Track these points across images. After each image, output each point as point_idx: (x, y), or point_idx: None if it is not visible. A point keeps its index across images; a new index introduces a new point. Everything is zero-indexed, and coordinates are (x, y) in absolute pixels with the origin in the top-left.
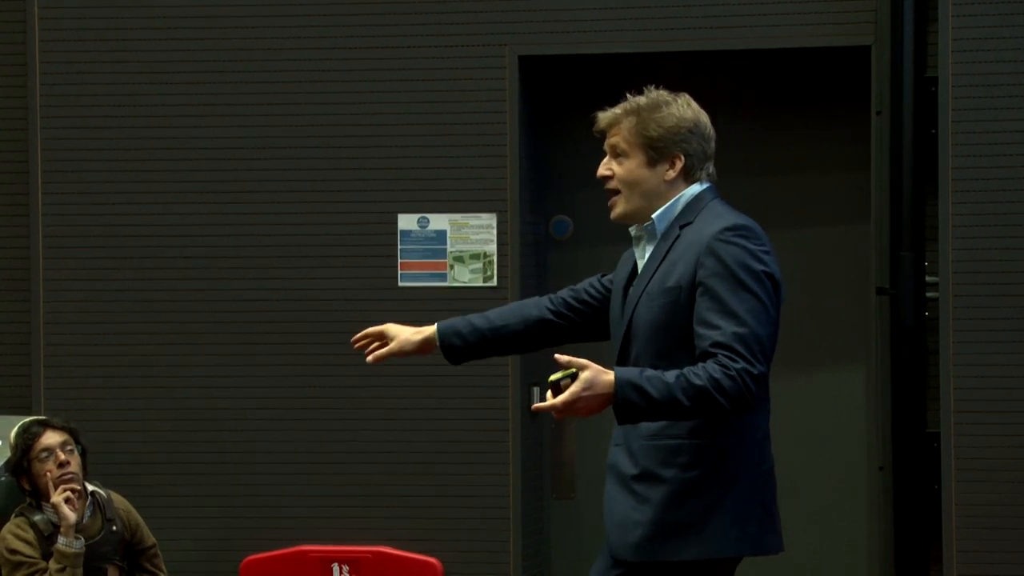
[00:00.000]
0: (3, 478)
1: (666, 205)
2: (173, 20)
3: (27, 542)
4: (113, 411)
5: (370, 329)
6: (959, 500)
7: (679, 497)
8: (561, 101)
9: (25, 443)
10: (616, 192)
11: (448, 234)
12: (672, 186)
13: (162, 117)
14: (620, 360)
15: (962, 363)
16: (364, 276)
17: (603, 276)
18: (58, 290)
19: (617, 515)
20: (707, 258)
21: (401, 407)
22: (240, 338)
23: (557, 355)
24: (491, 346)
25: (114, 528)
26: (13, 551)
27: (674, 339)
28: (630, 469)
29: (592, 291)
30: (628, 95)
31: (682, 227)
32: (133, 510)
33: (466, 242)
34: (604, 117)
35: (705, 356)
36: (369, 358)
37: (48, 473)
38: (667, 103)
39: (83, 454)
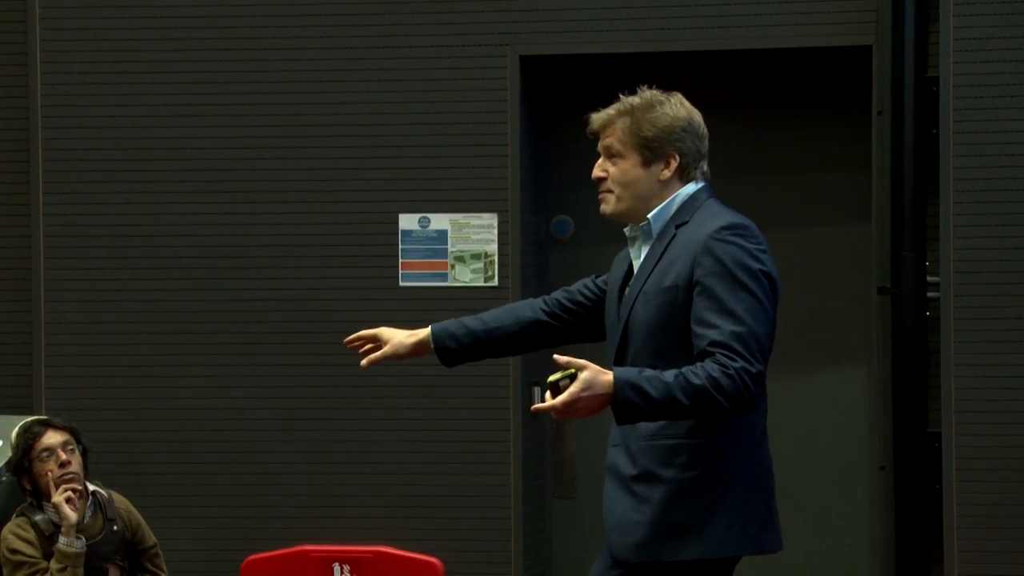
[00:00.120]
0: (4, 478)
1: (661, 205)
2: (173, 20)
3: (28, 542)
4: (114, 411)
5: (363, 332)
6: (960, 500)
7: (679, 497)
8: (562, 101)
9: (26, 443)
10: (609, 191)
11: (449, 234)
12: (667, 186)
13: (162, 117)
14: (617, 360)
15: (963, 363)
16: (365, 276)
17: (597, 277)
18: (59, 290)
19: (617, 516)
20: (704, 257)
21: (402, 407)
22: (241, 338)
23: (556, 356)
24: (485, 348)
25: (115, 528)
26: (14, 551)
27: (672, 339)
28: (629, 470)
29: (587, 292)
30: (621, 95)
31: (678, 227)
32: (134, 510)
33: (467, 242)
34: (597, 118)
35: (703, 355)
36: (363, 362)
37: (49, 473)
38: (660, 103)
39: (84, 454)
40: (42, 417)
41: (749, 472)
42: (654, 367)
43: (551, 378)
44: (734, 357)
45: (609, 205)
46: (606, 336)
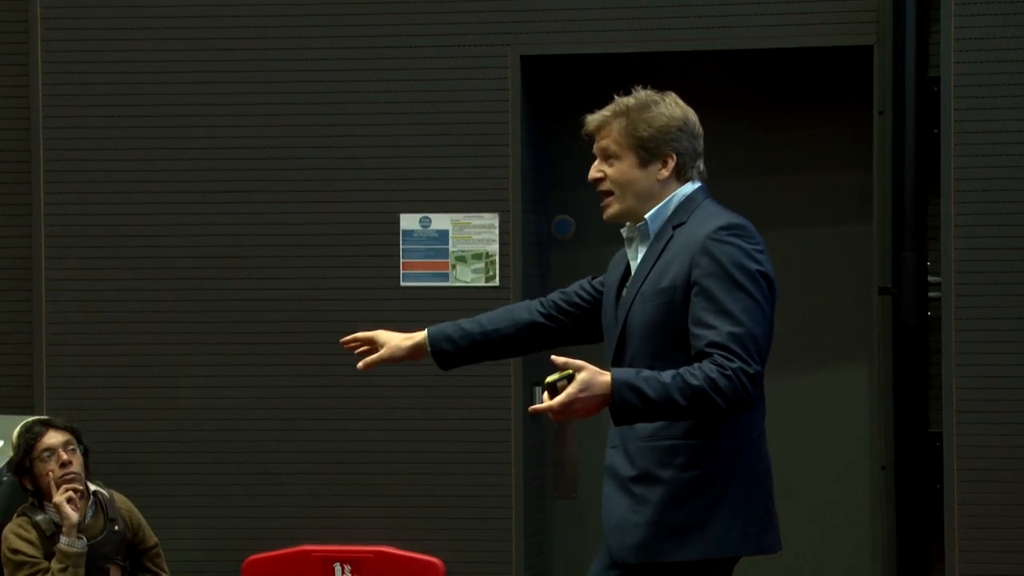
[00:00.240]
0: (5, 478)
1: (659, 205)
2: (174, 21)
3: (29, 542)
4: (115, 411)
5: (360, 334)
6: (961, 500)
7: (678, 498)
8: (563, 101)
9: (27, 443)
10: (609, 193)
11: (450, 234)
12: (665, 186)
13: (163, 117)
14: (615, 361)
15: (964, 363)
16: (366, 276)
17: (594, 278)
18: (60, 290)
19: (615, 517)
20: (702, 258)
21: (403, 407)
22: (242, 338)
23: (553, 357)
24: (482, 351)
25: (116, 528)
26: (15, 551)
27: (669, 340)
28: (628, 471)
29: (583, 293)
30: (616, 96)
31: (675, 227)
32: (135, 510)
33: (468, 242)
34: (592, 120)
35: (701, 356)
36: (360, 364)
37: (50, 473)
38: (655, 103)
39: (85, 454)
40: (43, 417)
41: (748, 472)
42: (652, 368)
43: (548, 379)
44: (731, 358)
45: (611, 208)
46: (603, 337)
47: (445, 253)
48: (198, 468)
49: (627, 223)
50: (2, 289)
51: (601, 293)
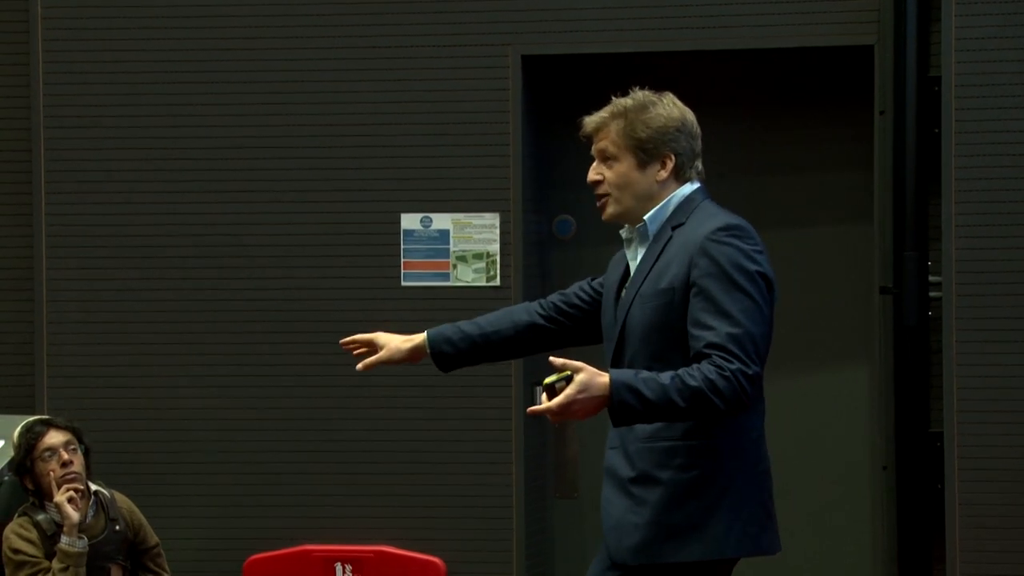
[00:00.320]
0: (6, 478)
1: (657, 207)
2: (175, 20)
3: (30, 542)
4: (116, 410)
5: (359, 336)
6: (962, 499)
7: (677, 499)
8: (564, 100)
9: (28, 442)
10: (606, 194)
11: (451, 234)
12: (664, 186)
13: (164, 117)
14: (614, 363)
15: (965, 363)
16: (367, 276)
17: (593, 279)
18: (61, 290)
19: (614, 518)
20: (700, 258)
21: (404, 407)
22: (243, 338)
23: (552, 358)
24: (482, 352)
25: (117, 528)
26: (16, 551)
27: (668, 340)
28: (627, 472)
29: (583, 295)
30: (613, 97)
31: (674, 228)
32: (136, 510)
33: (469, 242)
34: (590, 121)
35: (700, 357)
36: (359, 366)
37: (51, 473)
38: (653, 103)
39: (86, 454)
40: (44, 417)
41: (747, 473)
42: (651, 369)
43: (547, 380)
44: (730, 359)
45: (609, 208)
46: (603, 338)
47: (446, 253)
48: (199, 468)
49: (626, 224)
50: (3, 289)
51: (600, 294)
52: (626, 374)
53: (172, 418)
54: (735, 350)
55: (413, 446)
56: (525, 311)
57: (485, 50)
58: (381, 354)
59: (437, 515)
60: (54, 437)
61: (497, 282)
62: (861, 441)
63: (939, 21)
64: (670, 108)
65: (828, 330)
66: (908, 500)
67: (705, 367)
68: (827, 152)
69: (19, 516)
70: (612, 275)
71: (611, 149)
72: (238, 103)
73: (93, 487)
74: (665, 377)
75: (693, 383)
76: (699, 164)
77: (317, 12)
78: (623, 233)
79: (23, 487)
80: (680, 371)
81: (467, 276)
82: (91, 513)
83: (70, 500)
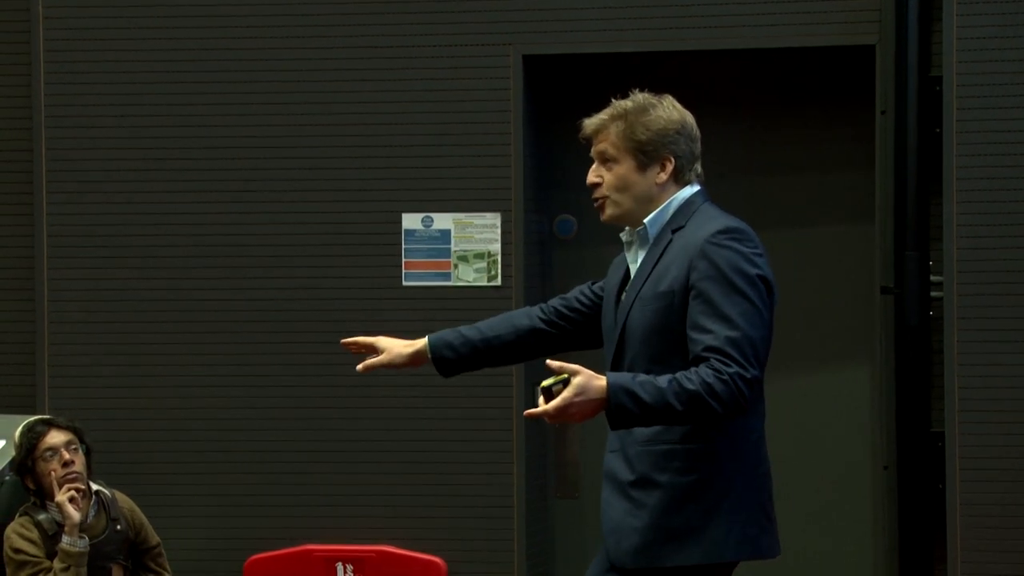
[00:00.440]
0: (8, 477)
1: (658, 210)
2: (176, 20)
3: (31, 541)
4: (117, 410)
5: (361, 339)
6: (963, 499)
7: (676, 502)
8: (565, 100)
9: (30, 442)
10: (605, 196)
11: (452, 233)
12: (664, 189)
13: (165, 117)
14: (614, 365)
15: (966, 362)
16: (368, 275)
17: (594, 283)
18: (62, 289)
19: (614, 521)
20: (700, 261)
21: (405, 406)
22: (244, 337)
23: (549, 361)
24: (483, 357)
25: (118, 527)
26: (17, 550)
27: (668, 343)
28: (626, 475)
29: (583, 299)
30: (613, 99)
31: (674, 231)
32: (137, 509)
33: (470, 241)
34: (590, 123)
35: (698, 360)
36: (360, 367)
37: (52, 472)
38: (653, 106)
39: (87, 453)
40: (45, 416)
41: (747, 476)
42: (650, 372)
43: (544, 383)
44: (728, 362)
45: (608, 209)
46: (603, 342)
47: (447, 252)
48: (200, 468)
49: (626, 227)
50: (4, 288)
51: (601, 298)
52: (623, 377)
53: (173, 418)
54: (733, 354)
55: (414, 446)
56: (526, 315)
57: (486, 50)
58: (382, 357)
59: (438, 515)
60: (55, 437)
61: (498, 282)
62: (862, 441)
63: (940, 21)
64: (670, 111)
65: (829, 330)
66: (909, 500)
67: (703, 371)
68: (828, 152)
69: (20, 516)
70: (613, 278)
71: (611, 151)
72: (239, 103)
73: (94, 487)
74: (663, 380)
75: (690, 387)
76: (698, 167)
77: (318, 12)
78: (623, 236)
79: (24, 487)
80: (678, 375)
81: (468, 276)
82: (92, 513)
83: (71, 500)
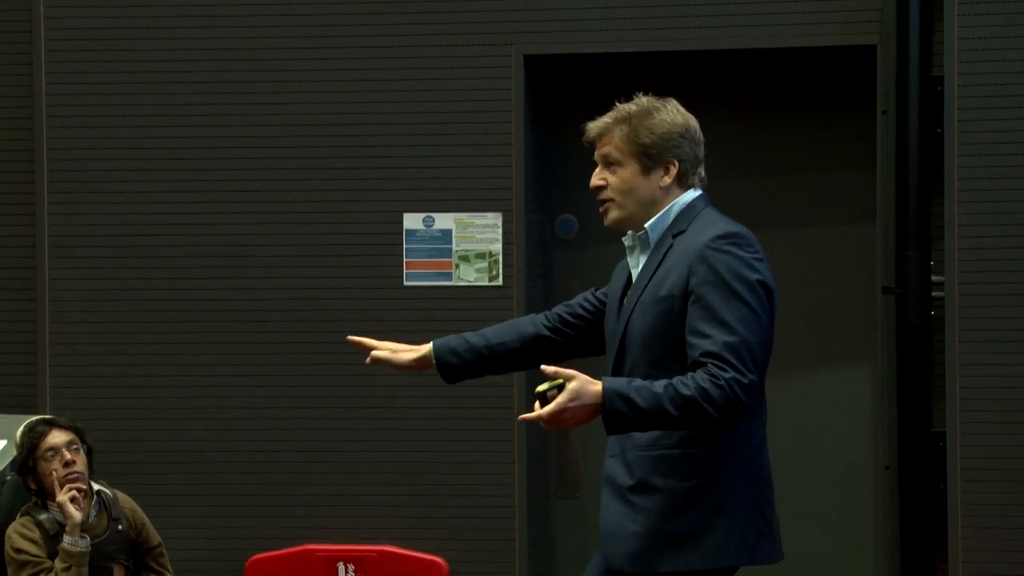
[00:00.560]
0: (9, 477)
1: (659, 214)
2: (178, 20)
3: (33, 541)
4: (119, 410)
5: (367, 341)
6: (964, 499)
7: (676, 507)
8: (566, 100)
9: (31, 442)
10: (609, 200)
11: (453, 233)
12: (667, 193)
13: (166, 116)
14: (615, 370)
15: (968, 362)
16: (370, 275)
17: (597, 290)
18: (63, 289)
19: (612, 526)
20: (699, 266)
21: (406, 406)
22: (246, 337)
23: (543, 366)
24: (488, 364)
25: (120, 527)
26: (19, 550)
27: (668, 348)
28: (626, 480)
29: (587, 305)
30: (617, 103)
31: (675, 236)
32: (139, 509)
33: (471, 241)
34: (594, 127)
35: (696, 365)
36: (368, 359)
37: (54, 472)
38: (657, 109)
39: (89, 453)
40: (47, 416)
41: (747, 481)
42: (650, 377)
43: (538, 388)
44: (725, 368)
45: (611, 213)
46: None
47: (448, 252)
48: (201, 467)
49: (628, 232)
50: (6, 288)
51: (605, 304)
52: (618, 382)
53: (175, 418)
54: (731, 359)
55: (416, 446)
56: (531, 323)
57: (487, 50)
58: (388, 355)
59: (440, 515)
60: (57, 437)
61: (499, 282)
62: (863, 441)
63: (941, 21)
64: (674, 114)
65: (830, 330)
66: (910, 500)
67: (699, 376)
68: (829, 152)
69: (22, 516)
70: (616, 283)
71: (615, 155)
72: (240, 103)
73: (96, 487)
74: (658, 385)
75: (686, 392)
76: (702, 170)
77: (319, 12)
78: (626, 240)
79: (26, 487)
80: (674, 380)
81: (469, 276)
82: (93, 513)
83: (72, 500)
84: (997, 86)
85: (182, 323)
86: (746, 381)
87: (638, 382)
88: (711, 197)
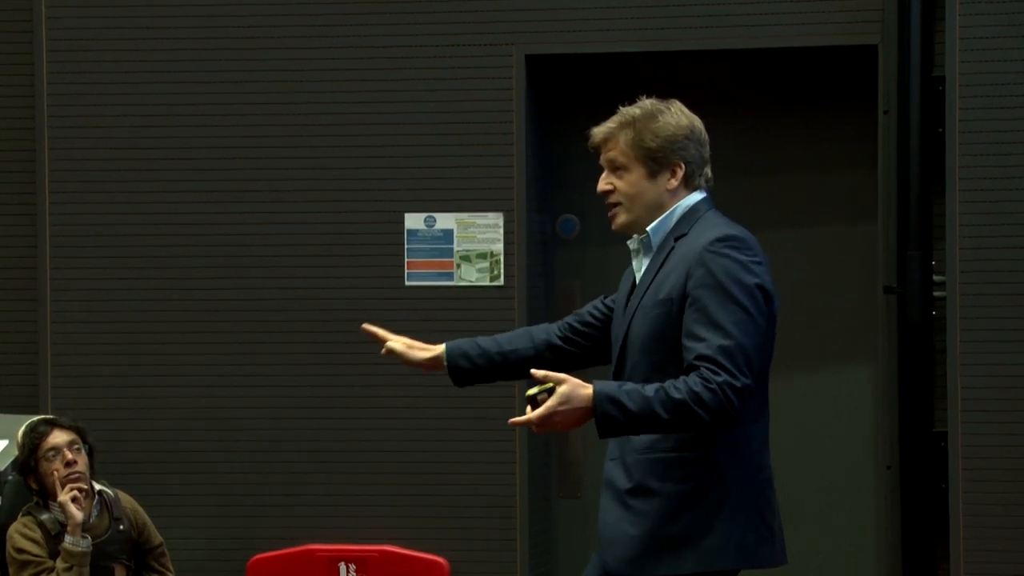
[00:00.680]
0: (10, 477)
1: (661, 217)
2: (179, 20)
3: (34, 541)
4: (120, 410)
5: (384, 332)
6: (966, 499)
7: (674, 510)
8: (568, 100)
9: (32, 442)
10: (617, 204)
11: (455, 233)
12: (674, 195)
13: (168, 116)
14: (616, 374)
15: (969, 362)
16: (371, 275)
17: (606, 297)
18: (64, 289)
19: (612, 529)
20: (697, 269)
21: (408, 406)
22: (247, 337)
23: (534, 370)
24: (499, 371)
25: (121, 527)
26: (20, 550)
27: (667, 352)
28: (624, 483)
29: (596, 312)
30: (620, 107)
31: (677, 239)
32: (140, 509)
33: (473, 241)
34: (599, 132)
35: (690, 369)
36: (384, 350)
37: (55, 472)
38: (661, 112)
39: (90, 453)
40: (48, 416)
41: (746, 485)
42: (649, 380)
43: (529, 392)
44: (718, 371)
45: (620, 218)
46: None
47: (450, 252)
48: (203, 467)
49: (634, 235)
50: (7, 288)
51: (612, 311)
52: (610, 386)
53: (176, 417)
54: (724, 362)
55: (417, 446)
56: (544, 331)
57: (489, 50)
58: (404, 349)
59: (441, 515)
60: (58, 436)
61: (501, 282)
62: (864, 441)
63: (943, 20)
64: (678, 116)
65: (832, 330)
66: (912, 500)
67: (692, 379)
68: (831, 152)
69: (23, 516)
70: (622, 289)
71: (621, 159)
72: (241, 103)
73: (97, 486)
74: (650, 389)
75: (677, 395)
76: (708, 171)
77: (320, 12)
78: (631, 244)
79: (27, 487)
80: (667, 383)
81: (471, 276)
82: (95, 513)
83: (74, 500)
84: (999, 86)
85: (183, 323)
86: (739, 385)
87: (629, 386)
88: (713, 197)
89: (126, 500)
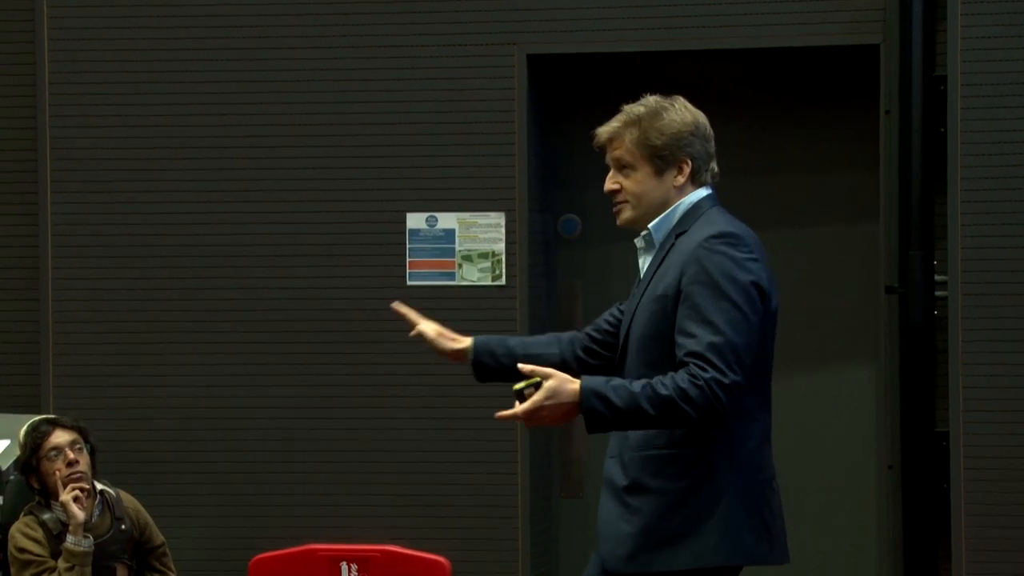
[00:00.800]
0: (12, 477)
1: (663, 214)
2: (181, 19)
3: (36, 541)
4: (122, 410)
5: (414, 314)
6: (967, 499)
7: (669, 508)
8: (569, 100)
9: (34, 442)
10: (623, 201)
11: (457, 233)
12: (681, 191)
13: (169, 116)
14: (617, 370)
15: (971, 362)
16: (373, 275)
17: (620, 304)
18: (67, 288)
19: (608, 527)
20: (691, 266)
21: (410, 406)
22: (248, 337)
23: (520, 365)
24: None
25: (123, 527)
26: (22, 550)
27: (664, 349)
28: (621, 481)
29: (611, 319)
30: (624, 106)
31: (678, 236)
32: (142, 509)
33: (474, 241)
34: (604, 131)
35: (680, 365)
36: (412, 332)
37: (57, 472)
38: (665, 109)
39: (92, 453)
40: (50, 416)
41: (744, 483)
42: (646, 376)
43: (516, 386)
44: (706, 368)
45: (624, 213)
46: None
47: (451, 252)
48: (204, 467)
49: (641, 233)
50: (9, 288)
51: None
52: (596, 381)
53: (178, 417)
54: (713, 359)
55: (419, 445)
56: (570, 340)
57: (490, 49)
58: (433, 334)
59: (443, 514)
60: (60, 436)
61: (502, 281)
62: (866, 440)
63: (945, 20)
64: (683, 113)
65: (833, 329)
66: (913, 500)
67: (679, 375)
68: (832, 152)
69: (25, 515)
70: (633, 287)
71: (627, 158)
72: (243, 102)
73: (99, 486)
74: (637, 385)
75: (663, 391)
76: (714, 165)
77: (320, 12)
78: (637, 242)
79: (29, 486)
80: (654, 379)
81: (472, 275)
82: (97, 512)
83: (76, 499)
84: (1000, 86)
85: (185, 323)
86: (727, 382)
87: (616, 381)
88: (719, 200)
89: (128, 500)
